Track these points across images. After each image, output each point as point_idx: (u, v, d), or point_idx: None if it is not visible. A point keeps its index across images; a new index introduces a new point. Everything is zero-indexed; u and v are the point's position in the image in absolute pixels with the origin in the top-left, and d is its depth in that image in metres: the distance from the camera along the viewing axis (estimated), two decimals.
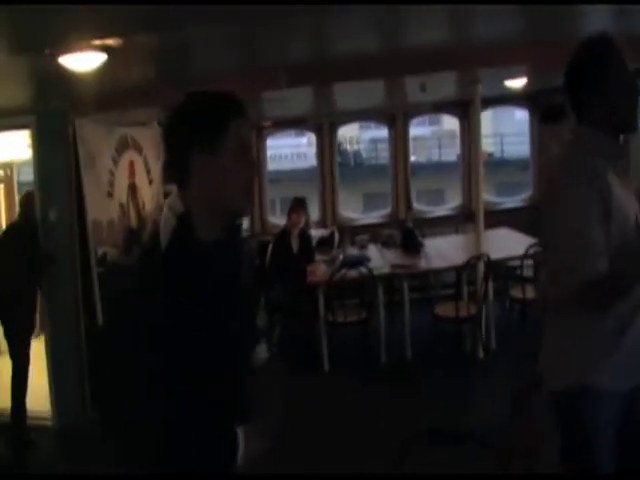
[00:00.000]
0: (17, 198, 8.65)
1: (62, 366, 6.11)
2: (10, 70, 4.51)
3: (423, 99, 8.77)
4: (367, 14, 4.27)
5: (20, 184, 9.06)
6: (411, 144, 11.25)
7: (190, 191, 1.87)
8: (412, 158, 22.93)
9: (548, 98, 8.70)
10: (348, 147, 25.80)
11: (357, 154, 26.66)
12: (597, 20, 4.89)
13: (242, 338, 2.05)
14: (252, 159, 1.97)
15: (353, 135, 25.51)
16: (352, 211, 11.87)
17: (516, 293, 7.09)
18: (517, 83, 7.28)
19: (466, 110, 9.09)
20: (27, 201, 6.05)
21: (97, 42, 4.03)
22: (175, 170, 1.91)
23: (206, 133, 1.83)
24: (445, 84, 7.68)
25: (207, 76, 5.43)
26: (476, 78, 6.82)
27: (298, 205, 7.70)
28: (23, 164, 8.15)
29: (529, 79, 7.20)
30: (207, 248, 1.87)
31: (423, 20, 4.53)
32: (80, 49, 4.08)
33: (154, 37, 4.32)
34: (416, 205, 10.32)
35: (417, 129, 23.98)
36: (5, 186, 8.89)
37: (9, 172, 8.89)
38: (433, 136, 26.75)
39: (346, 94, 7.75)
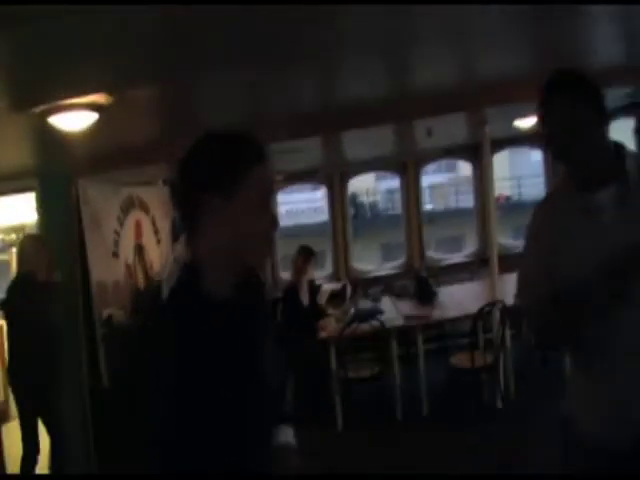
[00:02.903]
0: None
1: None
2: (11, 133, 4.45)
3: (434, 145, 8.74)
4: (372, 58, 4.23)
5: None
6: (428, 192, 11.26)
7: (200, 239, 1.69)
8: (430, 206, 23.17)
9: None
10: (365, 199, 25.84)
11: (373, 205, 26.75)
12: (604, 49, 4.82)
13: (260, 407, 1.81)
14: (272, 210, 1.77)
15: (369, 186, 25.56)
16: (369, 263, 11.77)
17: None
18: (527, 122, 7.14)
19: (478, 154, 8.95)
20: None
21: (87, 101, 3.97)
22: (185, 214, 1.73)
23: (223, 175, 1.65)
24: (454, 127, 7.61)
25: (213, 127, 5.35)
26: (484, 119, 6.74)
27: (304, 253, 7.51)
28: (34, 226, 8.11)
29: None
30: (215, 304, 1.68)
31: (428, 61, 4.49)
32: (70, 109, 4.02)
33: (151, 91, 4.27)
34: (431, 253, 10.15)
35: (433, 177, 24.19)
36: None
37: (21, 235, 8.82)
38: (450, 183, 26.86)
39: (355, 143, 7.72)
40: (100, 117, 4.13)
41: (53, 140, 4.52)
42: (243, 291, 1.75)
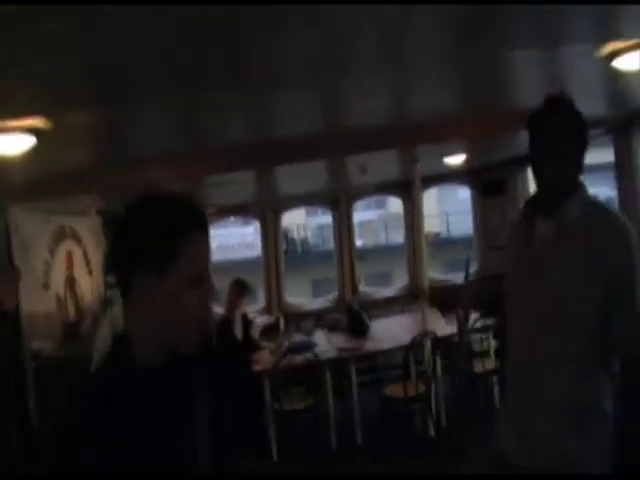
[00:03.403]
0: None
1: None
2: None
3: (366, 181, 8.89)
4: (307, 94, 4.32)
5: None
6: (358, 228, 11.34)
7: (132, 311, 1.60)
8: (359, 242, 23.27)
9: (489, 173, 8.87)
10: (295, 235, 25.97)
11: (304, 241, 26.87)
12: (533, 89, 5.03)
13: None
14: (209, 289, 1.62)
15: (300, 222, 25.72)
16: (300, 297, 11.78)
17: (465, 367, 6.95)
18: (456, 160, 7.39)
19: (409, 190, 9.16)
20: None
21: (25, 124, 3.92)
22: (119, 284, 1.60)
23: (152, 252, 1.53)
24: (385, 164, 7.77)
25: (146, 159, 5.36)
26: (415, 157, 6.91)
27: (237, 286, 7.53)
28: None
29: (468, 155, 7.32)
30: (142, 374, 1.56)
31: (362, 99, 4.57)
32: (7, 131, 3.92)
33: (87, 117, 4.24)
34: (363, 288, 10.27)
35: (363, 214, 24.45)
36: None
37: None
38: (379, 219, 27.17)
39: (288, 178, 7.79)
40: (36, 143, 4.04)
41: None
42: (176, 361, 1.64)
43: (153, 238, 1.53)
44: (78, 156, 5.24)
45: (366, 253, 20.55)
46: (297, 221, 24.81)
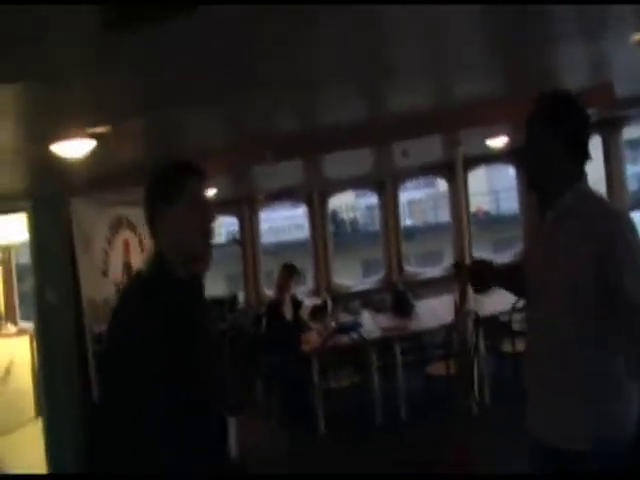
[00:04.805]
0: (15, 280, 8.85)
1: (60, 448, 6.05)
2: (6, 157, 4.67)
3: (410, 163, 8.92)
4: (350, 83, 4.44)
5: (18, 266, 9.14)
6: (407, 208, 11.37)
7: (158, 238, 2.28)
8: (409, 222, 23.23)
9: None
10: (344, 215, 26.04)
11: (354, 222, 26.90)
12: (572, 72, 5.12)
13: (212, 347, 2.47)
14: (207, 207, 2.31)
15: (349, 203, 25.76)
16: (350, 278, 11.94)
17: (507, 347, 7.07)
18: (498, 142, 7.43)
19: (453, 171, 9.21)
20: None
21: (88, 130, 4.22)
22: (147, 218, 2.30)
23: (165, 188, 2.25)
24: (429, 148, 7.84)
25: (198, 152, 5.59)
26: (457, 140, 6.98)
27: (287, 271, 7.81)
28: (21, 247, 8.30)
29: (511, 136, 7.35)
30: (176, 281, 2.24)
31: (404, 85, 4.70)
32: (71, 137, 4.25)
33: (142, 121, 4.50)
34: (409, 268, 10.40)
35: (413, 193, 24.32)
36: (4, 268, 9.01)
37: (7, 255, 9.02)
38: (428, 198, 26.97)
39: (334, 163, 7.94)
40: (96, 145, 4.38)
41: (49, 164, 4.72)
42: (195, 276, 2.33)
43: (165, 179, 2.28)
44: (133, 152, 5.55)
45: (415, 232, 20.59)
46: (346, 202, 24.84)
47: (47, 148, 4.28)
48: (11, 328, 8.65)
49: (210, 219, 2.29)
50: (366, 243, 20.58)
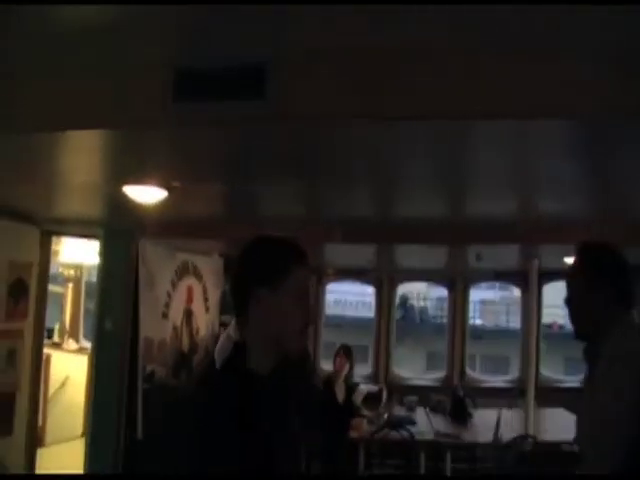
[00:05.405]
0: (82, 298, 9.18)
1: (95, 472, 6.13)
2: (88, 189, 4.93)
3: (484, 266, 8.80)
4: (430, 184, 4.49)
5: (87, 284, 9.43)
6: (478, 307, 11.15)
7: (247, 322, 2.00)
8: (478, 321, 22.66)
9: None
10: (415, 303, 25.71)
11: (423, 310, 26.49)
12: None
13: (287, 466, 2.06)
14: (308, 305, 2.05)
15: (421, 291, 25.45)
16: (411, 370, 11.72)
17: None
18: None
19: (527, 281, 9.01)
20: None
21: (163, 181, 4.38)
22: (237, 302, 2.03)
23: (269, 271, 1.96)
24: (504, 255, 7.75)
25: (270, 220, 5.67)
26: (534, 253, 6.85)
27: (343, 351, 7.69)
28: (92, 267, 8.54)
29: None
30: (256, 378, 1.96)
31: (485, 191, 4.68)
32: (145, 183, 4.42)
33: (218, 185, 4.61)
34: (473, 372, 10.13)
35: (487, 292, 23.83)
36: (74, 285, 9.33)
37: (79, 273, 9.34)
38: (502, 301, 26.40)
39: (406, 253, 7.96)
40: (168, 195, 4.54)
41: (124, 202, 4.85)
42: (283, 369, 2.03)
43: (270, 261, 1.98)
44: (209, 210, 5.70)
45: (483, 333, 20.09)
46: (418, 288, 24.53)
47: (122, 188, 4.46)
48: (72, 344, 8.87)
49: (309, 317, 2.06)
50: (433, 335, 20.16)
